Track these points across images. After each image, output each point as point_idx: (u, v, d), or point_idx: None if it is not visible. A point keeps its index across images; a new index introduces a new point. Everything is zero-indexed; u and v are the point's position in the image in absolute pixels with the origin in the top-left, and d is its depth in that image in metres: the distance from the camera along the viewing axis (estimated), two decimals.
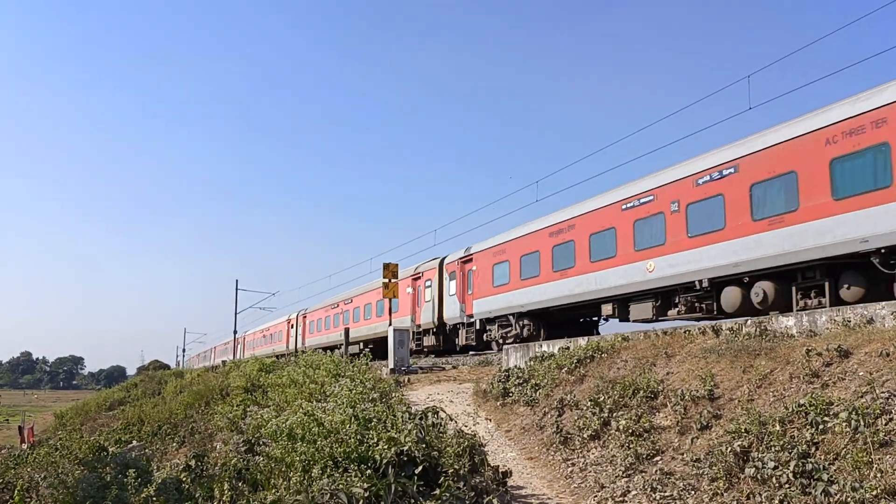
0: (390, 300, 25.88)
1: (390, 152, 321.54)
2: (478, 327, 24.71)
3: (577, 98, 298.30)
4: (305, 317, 46.62)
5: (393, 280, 25.21)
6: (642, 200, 16.97)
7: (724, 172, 14.81)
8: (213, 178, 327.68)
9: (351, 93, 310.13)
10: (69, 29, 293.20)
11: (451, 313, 26.72)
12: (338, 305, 39.91)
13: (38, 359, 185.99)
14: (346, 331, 30.11)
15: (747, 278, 14.25)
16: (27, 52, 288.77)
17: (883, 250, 11.70)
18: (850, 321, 10.07)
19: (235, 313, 56.53)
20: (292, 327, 49.63)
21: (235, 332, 58.04)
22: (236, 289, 55.75)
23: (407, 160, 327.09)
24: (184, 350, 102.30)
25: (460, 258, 26.32)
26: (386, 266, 25.25)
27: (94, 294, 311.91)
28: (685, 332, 12.51)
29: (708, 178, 15.23)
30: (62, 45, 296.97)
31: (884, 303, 10.11)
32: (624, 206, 17.56)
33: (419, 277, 30.20)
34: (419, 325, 29.68)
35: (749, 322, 11.60)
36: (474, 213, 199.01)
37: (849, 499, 6.33)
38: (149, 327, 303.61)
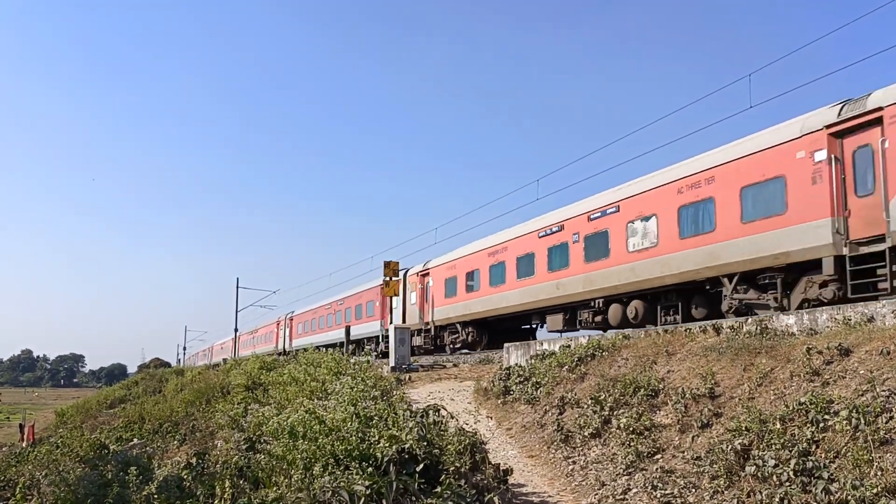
0: (391, 298, 26.04)
1: (391, 151, 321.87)
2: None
3: (578, 96, 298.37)
4: (240, 338, 66.26)
5: (394, 279, 25.45)
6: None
7: None
8: (214, 176, 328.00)
9: (353, 91, 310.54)
10: (71, 26, 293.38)
11: (288, 345, 46.80)
12: (251, 333, 65.67)
13: (38, 357, 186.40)
14: (347, 328, 30.63)
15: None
16: (28, 50, 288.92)
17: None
18: (850, 319, 10.06)
19: (236, 311, 56.91)
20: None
21: (236, 330, 58.24)
22: (237, 287, 56.00)
23: (408, 158, 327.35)
24: (185, 348, 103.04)
25: (278, 320, 46.69)
26: (386, 264, 25.56)
27: (95, 292, 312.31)
28: (686, 330, 12.52)
29: None
30: (64, 43, 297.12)
31: (885, 300, 10.13)
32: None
33: (279, 324, 52.81)
34: (278, 348, 49.97)
35: (750, 320, 11.62)
36: (475, 212, 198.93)
37: (849, 497, 6.33)
38: (150, 325, 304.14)
